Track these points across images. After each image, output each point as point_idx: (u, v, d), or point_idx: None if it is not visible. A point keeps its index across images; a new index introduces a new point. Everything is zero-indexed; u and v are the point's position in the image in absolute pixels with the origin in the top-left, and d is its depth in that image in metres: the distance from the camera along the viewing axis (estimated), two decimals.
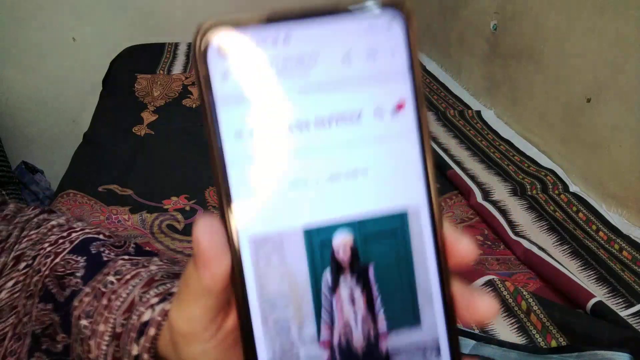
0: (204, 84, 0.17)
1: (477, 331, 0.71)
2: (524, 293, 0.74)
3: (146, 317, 0.31)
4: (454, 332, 0.19)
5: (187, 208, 0.96)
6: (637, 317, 0.73)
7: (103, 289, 0.33)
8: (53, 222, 0.38)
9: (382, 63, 0.18)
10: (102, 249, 0.36)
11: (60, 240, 0.36)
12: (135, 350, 0.30)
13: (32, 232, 0.37)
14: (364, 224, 0.19)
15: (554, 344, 0.68)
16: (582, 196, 1.01)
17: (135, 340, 0.30)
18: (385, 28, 0.18)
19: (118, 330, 0.31)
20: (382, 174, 0.18)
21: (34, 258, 0.36)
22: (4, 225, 0.37)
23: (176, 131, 1.23)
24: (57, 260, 0.35)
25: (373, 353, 0.19)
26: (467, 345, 0.65)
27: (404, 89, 0.18)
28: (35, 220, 0.39)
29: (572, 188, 1.04)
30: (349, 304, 0.19)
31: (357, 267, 0.19)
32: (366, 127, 0.18)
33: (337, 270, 0.19)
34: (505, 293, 0.75)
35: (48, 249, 0.36)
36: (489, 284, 0.77)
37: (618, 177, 0.96)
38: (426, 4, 1.68)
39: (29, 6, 1.67)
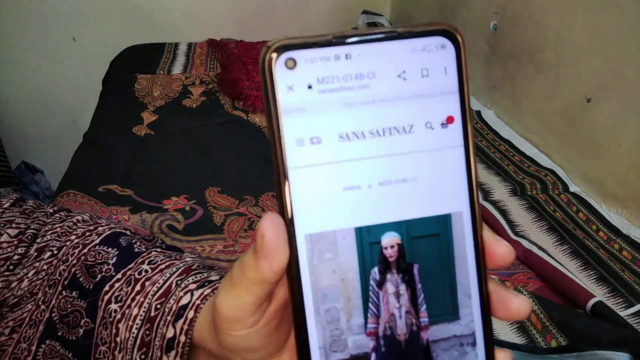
0: (271, 95, 0.19)
1: None
2: (524, 293, 0.74)
3: (185, 300, 0.31)
4: (489, 326, 0.22)
5: (187, 208, 0.96)
6: (637, 317, 0.73)
7: (137, 276, 0.34)
8: (78, 217, 0.39)
9: (435, 81, 0.20)
10: (133, 241, 0.37)
11: (88, 233, 0.37)
12: (170, 333, 0.31)
13: (56, 225, 0.38)
14: (411, 225, 0.20)
15: (554, 344, 0.68)
16: (582, 196, 1.01)
17: (172, 323, 0.31)
18: (439, 50, 0.19)
19: (152, 313, 0.32)
20: (429, 181, 0.20)
21: (60, 249, 0.36)
22: (23, 219, 0.38)
23: (176, 131, 1.23)
24: (85, 251, 0.36)
25: (415, 343, 0.21)
26: None
27: (453, 105, 0.20)
28: (57, 215, 0.39)
29: (572, 188, 1.04)
30: (394, 298, 0.21)
31: (403, 264, 0.21)
32: (417, 138, 0.20)
33: (385, 267, 0.21)
34: None
35: (75, 240, 0.37)
36: None
37: (618, 177, 0.96)
38: (426, 4, 1.68)
39: (29, 6, 1.67)
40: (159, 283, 0.33)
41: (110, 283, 0.34)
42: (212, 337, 0.27)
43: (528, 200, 0.99)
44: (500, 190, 1.03)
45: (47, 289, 0.35)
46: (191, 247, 0.87)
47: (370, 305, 0.21)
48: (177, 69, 1.56)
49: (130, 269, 0.35)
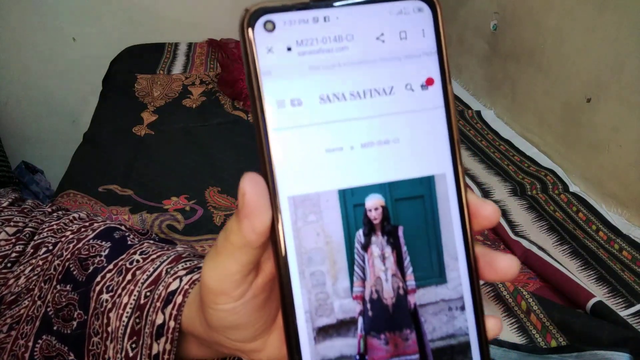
0: (250, 57, 0.19)
1: None
2: (524, 293, 0.74)
3: (174, 286, 0.31)
4: (478, 289, 0.21)
5: (187, 208, 0.96)
6: (637, 317, 0.73)
7: (128, 266, 0.34)
8: (75, 215, 0.39)
9: (413, 44, 0.20)
10: (127, 234, 0.37)
11: (83, 229, 0.37)
12: (160, 319, 0.30)
13: (52, 223, 0.38)
14: (394, 187, 0.20)
15: (553, 344, 0.68)
16: (582, 196, 1.01)
17: (162, 309, 0.31)
18: (416, 13, 0.20)
19: (142, 301, 0.32)
20: (411, 143, 0.20)
21: (55, 245, 0.36)
22: (21, 217, 0.38)
23: (176, 131, 1.23)
24: (80, 245, 0.36)
25: (402, 306, 0.21)
26: None
27: (432, 67, 0.20)
28: (55, 214, 0.40)
29: (572, 188, 1.04)
30: (380, 261, 0.21)
31: (388, 227, 0.21)
32: (398, 100, 0.20)
33: (369, 229, 0.21)
34: (505, 293, 0.75)
35: (70, 236, 0.37)
36: (489, 283, 0.77)
37: (618, 177, 0.96)
38: None
39: (29, 6, 1.67)
40: (149, 271, 0.33)
41: (102, 274, 0.34)
42: (200, 320, 0.27)
43: (528, 200, 0.99)
44: (500, 190, 1.03)
45: (42, 284, 0.35)
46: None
47: (356, 269, 0.21)
48: (177, 69, 1.56)
49: (122, 259, 0.35)
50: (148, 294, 0.32)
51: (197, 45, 1.72)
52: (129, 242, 0.37)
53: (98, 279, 0.34)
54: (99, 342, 0.33)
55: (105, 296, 0.33)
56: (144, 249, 0.36)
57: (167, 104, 1.35)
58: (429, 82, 0.20)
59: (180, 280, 0.31)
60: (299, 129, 0.20)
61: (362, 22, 0.20)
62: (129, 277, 0.33)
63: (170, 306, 0.31)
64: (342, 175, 0.20)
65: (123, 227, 0.39)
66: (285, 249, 0.20)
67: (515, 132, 1.24)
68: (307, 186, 0.20)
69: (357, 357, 0.21)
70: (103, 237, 0.37)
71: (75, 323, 0.33)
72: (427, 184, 0.20)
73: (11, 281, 0.35)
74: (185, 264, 0.33)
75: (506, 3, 1.26)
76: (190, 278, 0.32)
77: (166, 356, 0.31)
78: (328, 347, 0.20)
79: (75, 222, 0.39)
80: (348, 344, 0.21)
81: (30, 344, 0.34)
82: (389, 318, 0.21)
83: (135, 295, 0.32)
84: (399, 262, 0.21)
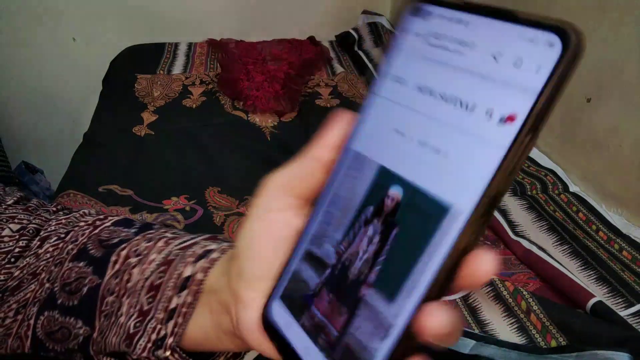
0: (395, 30, 0.22)
1: (477, 331, 0.71)
2: (524, 293, 0.74)
3: (212, 247, 0.32)
4: (409, 335, 0.20)
5: (187, 208, 0.96)
6: (637, 317, 0.73)
7: (158, 237, 0.35)
8: (85, 211, 0.40)
9: (522, 74, 0.18)
10: (152, 223, 0.38)
11: (98, 222, 0.38)
12: (188, 271, 0.31)
13: (61, 218, 0.39)
14: (417, 192, 0.20)
15: (553, 344, 0.68)
16: (582, 196, 1.01)
17: (193, 263, 0.31)
18: (544, 46, 0.18)
19: (170, 257, 0.32)
20: (455, 164, 0.20)
21: (67, 233, 0.37)
22: (25, 215, 0.38)
23: (176, 131, 1.23)
24: (97, 231, 0.37)
25: (353, 289, 0.22)
26: (467, 345, 0.65)
27: (523, 107, 0.18)
28: (60, 212, 0.40)
29: (572, 188, 1.04)
30: (366, 242, 0.22)
31: (389, 220, 0.21)
32: (472, 119, 0.19)
33: (377, 212, 0.22)
34: (505, 293, 0.75)
35: (85, 226, 0.37)
36: (489, 283, 0.77)
37: (618, 177, 0.96)
38: None
39: (29, 6, 1.67)
40: (184, 239, 0.34)
41: (128, 242, 0.35)
42: (228, 276, 0.27)
43: (528, 200, 0.99)
44: None
45: (52, 267, 0.35)
46: None
47: (350, 232, 0.23)
48: (177, 69, 1.56)
49: (150, 233, 0.36)
50: (179, 252, 0.33)
51: (197, 45, 1.72)
52: (154, 228, 0.37)
53: (123, 245, 0.34)
54: (114, 300, 0.33)
55: (133, 259, 0.33)
56: (173, 231, 0.37)
57: (167, 104, 1.35)
58: (510, 119, 0.18)
59: (219, 243, 0.33)
60: (389, 101, 0.22)
61: (491, 36, 0.19)
62: (160, 244, 0.34)
63: (203, 260, 0.31)
64: (391, 155, 0.22)
65: (137, 222, 0.39)
66: (325, 180, 0.24)
67: None
68: (365, 147, 0.23)
69: (310, 294, 0.23)
70: (123, 224, 0.37)
71: (85, 289, 0.33)
72: (441, 209, 0.19)
73: (16, 272, 0.36)
74: (227, 242, 0.34)
75: (506, 3, 1.26)
76: (231, 244, 0.32)
77: (184, 309, 0.30)
78: (303, 269, 0.24)
79: (86, 216, 0.39)
80: (313, 278, 0.24)
81: (32, 321, 0.34)
82: (342, 288, 0.22)
83: (164, 254, 0.33)
84: (376, 254, 0.22)
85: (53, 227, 0.38)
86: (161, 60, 1.60)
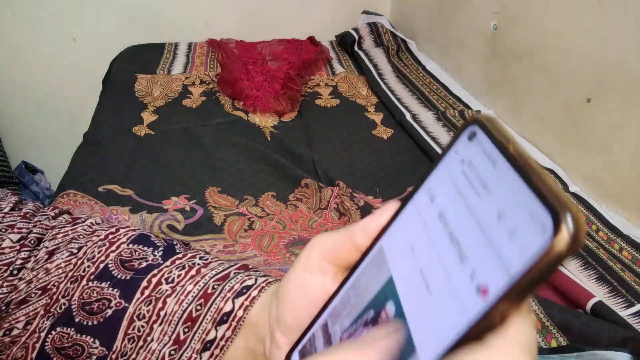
0: (447, 147, 0.21)
1: None
2: None
3: (249, 282, 0.33)
4: None
5: (187, 208, 0.96)
6: (637, 317, 0.73)
7: (190, 264, 0.36)
8: (91, 220, 0.40)
9: (512, 249, 0.17)
10: (173, 242, 0.39)
11: (111, 236, 0.38)
12: (228, 307, 0.32)
13: (66, 229, 0.38)
14: (401, 318, 0.21)
15: (554, 344, 0.68)
16: (582, 196, 1.01)
17: (232, 299, 0.33)
18: (537, 228, 0.16)
19: (209, 291, 0.34)
20: (433, 310, 0.19)
21: (79, 249, 0.37)
22: (24, 223, 0.38)
23: (176, 131, 1.23)
24: (114, 248, 0.37)
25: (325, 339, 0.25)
26: None
27: (497, 284, 0.17)
28: (61, 218, 0.40)
29: (572, 188, 1.04)
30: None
31: (377, 306, 0.23)
32: (455, 271, 0.19)
33: (375, 319, 0.22)
34: None
35: (100, 242, 0.37)
36: None
37: (618, 177, 0.96)
38: (426, 4, 1.68)
39: (29, 6, 1.67)
40: (217, 269, 0.35)
41: (159, 268, 0.35)
42: (269, 315, 0.29)
43: None
44: None
45: (68, 284, 0.35)
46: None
47: (353, 326, 0.24)
48: (177, 69, 1.56)
49: (179, 259, 0.36)
50: (216, 286, 0.34)
51: (197, 45, 1.72)
52: (178, 249, 0.38)
53: (154, 272, 0.35)
54: (143, 325, 0.33)
55: (165, 286, 0.34)
56: (202, 255, 0.37)
57: (167, 104, 1.35)
58: (484, 291, 0.17)
59: (256, 280, 0.33)
60: (417, 214, 0.22)
61: (506, 191, 0.18)
62: (192, 272, 0.35)
63: (243, 297, 0.32)
64: (399, 269, 0.22)
65: (153, 235, 0.39)
66: (355, 265, 0.25)
67: (515, 132, 1.24)
68: (388, 248, 0.23)
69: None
70: (143, 242, 0.38)
71: (110, 312, 0.34)
72: (411, 347, 0.19)
73: (22, 286, 0.35)
74: (257, 272, 0.35)
75: (506, 3, 1.26)
76: (266, 279, 0.33)
77: (222, 342, 0.32)
78: (317, 336, 0.26)
79: (95, 227, 0.39)
80: (319, 348, 0.25)
81: (43, 334, 0.34)
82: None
83: (200, 285, 0.34)
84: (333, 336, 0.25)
85: (60, 240, 0.37)
86: (161, 60, 1.61)
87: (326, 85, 1.51)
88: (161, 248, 0.37)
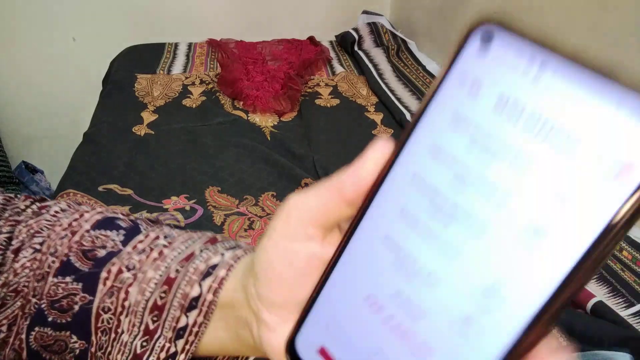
0: (452, 55, 0.17)
1: None
2: None
3: (215, 260, 0.30)
4: None
5: (187, 208, 0.96)
6: (637, 317, 0.73)
7: (152, 247, 0.33)
8: (55, 208, 0.37)
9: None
10: (137, 221, 0.36)
11: (74, 223, 0.35)
12: (196, 291, 0.30)
13: (30, 222, 0.36)
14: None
15: None
16: None
17: (199, 282, 0.30)
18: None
19: (172, 275, 0.31)
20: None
21: (42, 244, 0.35)
22: None
23: (176, 131, 1.23)
24: (77, 238, 0.34)
25: None
26: None
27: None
28: (29, 210, 0.37)
29: None
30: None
31: None
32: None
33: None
34: None
35: (62, 233, 0.35)
36: None
37: None
38: (426, 4, 1.68)
39: (29, 6, 1.67)
40: (180, 249, 0.32)
41: (118, 256, 0.33)
42: (244, 293, 0.26)
43: None
44: None
45: (35, 283, 0.34)
46: None
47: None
48: (177, 68, 1.56)
49: (141, 242, 0.33)
50: (179, 268, 0.31)
51: (197, 45, 1.72)
52: (142, 230, 0.35)
53: (114, 260, 0.33)
54: (111, 317, 0.32)
55: (126, 274, 0.32)
56: (166, 233, 0.34)
57: (167, 104, 1.35)
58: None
59: (223, 256, 0.31)
60: (434, 135, 0.18)
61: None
62: (154, 254, 0.32)
63: (210, 278, 0.30)
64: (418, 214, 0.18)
65: (120, 215, 0.37)
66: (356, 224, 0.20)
67: None
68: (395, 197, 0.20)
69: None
70: (106, 226, 0.35)
71: (77, 307, 0.33)
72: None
73: None
74: (224, 244, 0.32)
75: (506, 3, 1.26)
76: (235, 254, 0.30)
77: (195, 328, 0.30)
78: (340, 313, 0.21)
79: (59, 215, 0.36)
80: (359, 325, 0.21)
81: (23, 336, 0.34)
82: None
83: (162, 271, 0.31)
84: None
85: (23, 236, 0.35)
86: (161, 60, 1.61)
87: (326, 85, 1.51)
88: (123, 232, 0.35)
